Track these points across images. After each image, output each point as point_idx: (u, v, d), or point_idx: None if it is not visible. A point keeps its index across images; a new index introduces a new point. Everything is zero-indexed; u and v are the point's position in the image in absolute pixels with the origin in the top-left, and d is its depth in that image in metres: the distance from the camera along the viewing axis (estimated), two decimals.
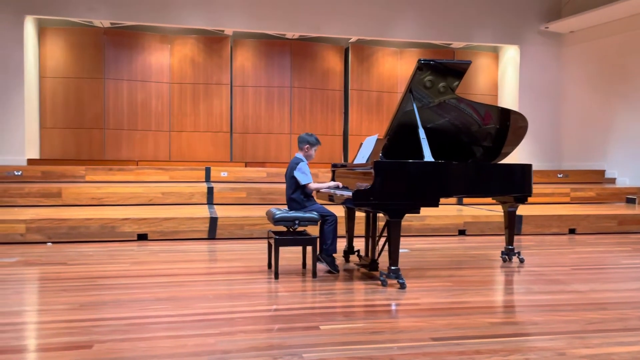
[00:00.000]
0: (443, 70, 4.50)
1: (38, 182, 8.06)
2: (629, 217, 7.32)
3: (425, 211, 4.18)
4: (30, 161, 9.22)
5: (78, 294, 3.72)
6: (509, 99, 11.43)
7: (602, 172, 10.51)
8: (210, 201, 7.81)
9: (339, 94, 11.27)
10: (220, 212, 6.79)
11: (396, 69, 11.48)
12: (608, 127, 10.57)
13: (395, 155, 4.45)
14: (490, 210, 7.43)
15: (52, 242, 5.90)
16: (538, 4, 11.23)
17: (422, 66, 4.39)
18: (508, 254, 5.11)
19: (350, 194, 4.08)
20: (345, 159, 11.26)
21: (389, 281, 4.07)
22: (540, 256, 5.47)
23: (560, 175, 10.22)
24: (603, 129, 10.66)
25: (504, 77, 11.77)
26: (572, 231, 7.14)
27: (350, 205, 4.39)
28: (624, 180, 10.20)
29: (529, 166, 4.83)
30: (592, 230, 7.15)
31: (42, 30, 9.88)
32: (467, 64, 4.55)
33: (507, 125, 5.04)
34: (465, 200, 8.39)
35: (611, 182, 10.33)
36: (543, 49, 11.35)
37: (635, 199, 8.85)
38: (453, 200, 8.34)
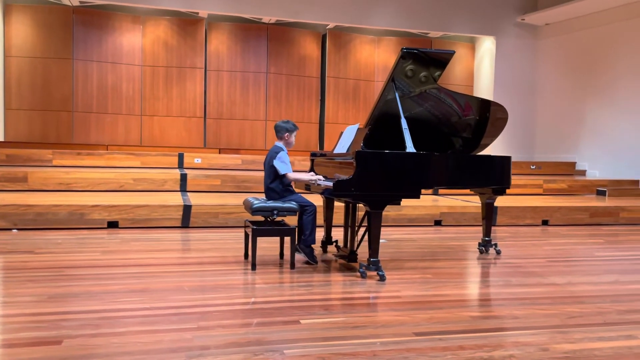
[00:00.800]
0: (426, 59, 4.43)
1: (2, 166, 7.74)
2: (600, 209, 7.45)
3: (403, 202, 4.12)
4: None
5: (46, 284, 3.56)
6: (484, 90, 11.48)
7: (573, 164, 10.69)
8: (183, 188, 7.64)
9: (316, 81, 11.14)
10: (194, 199, 6.64)
11: (373, 57, 11.40)
12: (580, 120, 10.73)
13: (376, 145, 4.38)
14: (465, 201, 7.46)
15: (18, 229, 5.67)
16: None
17: (405, 55, 4.31)
18: (485, 245, 5.12)
19: (330, 184, 4.00)
20: (321, 146, 11.17)
21: (369, 273, 4.02)
22: (516, 248, 5.50)
23: (533, 167, 10.35)
24: (575, 122, 10.82)
25: (479, 67, 11.82)
26: (545, 222, 7.23)
27: (330, 196, 4.31)
28: (594, 172, 10.39)
29: (508, 158, 4.82)
30: (564, 222, 7.25)
31: (7, 8, 9.45)
32: (450, 54, 4.49)
33: (487, 117, 5.02)
34: (441, 190, 8.41)
35: (582, 174, 10.51)
36: (519, 41, 11.42)
37: (605, 191, 9.02)
38: (429, 190, 8.35)
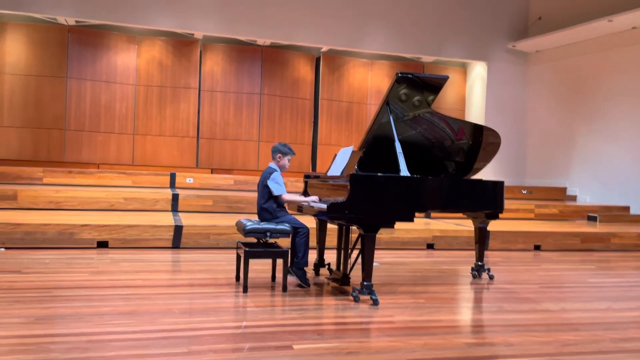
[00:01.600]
0: (420, 84, 4.47)
1: None
2: (591, 235, 7.47)
3: (396, 225, 4.11)
4: None
5: (33, 306, 3.48)
6: (476, 114, 11.58)
7: (564, 189, 10.75)
8: (175, 208, 7.57)
9: (309, 103, 11.19)
10: (185, 220, 6.57)
11: (367, 80, 11.49)
12: (570, 145, 10.83)
13: (370, 168, 4.37)
14: (458, 225, 7.45)
15: (6, 248, 5.57)
16: (506, 22, 11.46)
17: (399, 79, 4.34)
18: (478, 270, 5.09)
19: (324, 206, 3.97)
20: (314, 168, 11.17)
21: (362, 297, 3.98)
22: (508, 273, 5.48)
23: (525, 192, 10.39)
24: (565, 148, 10.92)
25: (471, 92, 11.94)
26: (537, 247, 7.22)
27: (324, 218, 4.29)
28: (585, 198, 10.45)
29: (501, 183, 4.83)
30: (556, 247, 7.25)
31: (2, 25, 9.46)
32: (444, 79, 4.53)
33: (480, 142, 5.04)
34: (433, 214, 8.40)
35: (572, 199, 10.56)
36: (510, 66, 11.57)
37: (596, 217, 9.06)
38: (421, 213, 8.34)
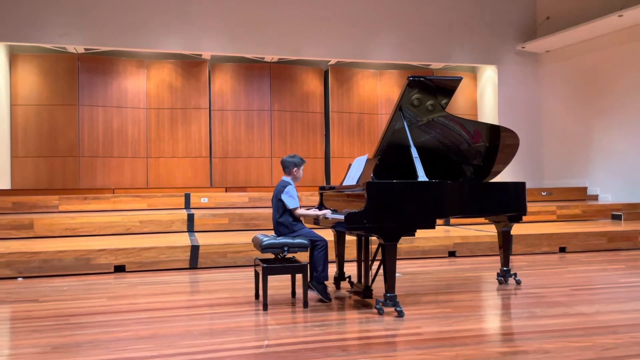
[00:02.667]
0: (432, 87, 4.36)
1: (8, 214, 7.65)
2: (617, 233, 7.23)
3: (416, 233, 3.98)
4: (0, 192, 8.79)
5: (51, 334, 3.39)
6: (488, 118, 11.41)
7: (585, 189, 10.50)
8: (190, 228, 7.50)
9: (320, 117, 11.12)
10: (201, 239, 6.49)
11: (376, 91, 11.40)
12: (588, 144, 10.60)
13: (386, 176, 4.25)
14: (479, 230, 7.27)
15: (23, 277, 5.52)
16: (514, 24, 11.33)
17: (411, 83, 4.24)
18: (504, 275, 4.92)
19: (341, 217, 3.85)
20: (328, 181, 11.06)
21: (386, 309, 3.84)
22: (535, 277, 5.29)
23: (544, 193, 10.17)
24: (583, 146, 10.69)
25: (482, 96, 11.79)
26: (562, 249, 7.01)
27: (342, 229, 4.17)
28: (606, 197, 10.19)
29: (523, 184, 4.68)
30: (582, 248, 7.03)
31: (13, 57, 9.56)
32: (457, 80, 4.41)
33: (497, 144, 4.90)
34: (453, 220, 8.23)
35: (594, 199, 10.31)
36: (520, 68, 11.42)
37: (621, 215, 8.81)
38: (440, 220, 8.17)
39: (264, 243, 4.09)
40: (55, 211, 8.05)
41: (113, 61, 10.03)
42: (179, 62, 10.36)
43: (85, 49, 9.74)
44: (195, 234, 7.22)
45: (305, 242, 4.13)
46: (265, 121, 10.78)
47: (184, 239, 6.53)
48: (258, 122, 10.76)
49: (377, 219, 3.77)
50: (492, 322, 3.69)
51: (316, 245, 4.19)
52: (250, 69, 10.73)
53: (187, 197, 8.74)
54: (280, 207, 4.25)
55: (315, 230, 4.41)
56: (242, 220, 7.64)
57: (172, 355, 2.95)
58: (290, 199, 4.20)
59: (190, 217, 7.53)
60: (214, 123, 10.55)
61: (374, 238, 4.08)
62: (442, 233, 7.04)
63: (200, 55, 10.25)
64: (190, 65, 10.41)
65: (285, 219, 4.24)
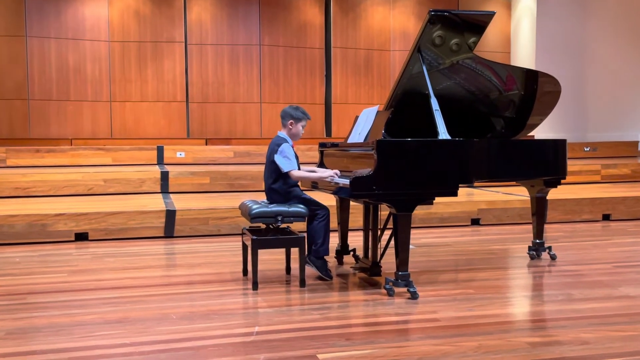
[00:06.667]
0: (459, 23, 4.34)
1: None
2: None
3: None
4: None
5: (3, 317, 3.47)
6: (524, 58, 11.34)
7: (636, 144, 10.53)
8: (165, 189, 7.56)
9: (319, 53, 11.03)
10: (178, 203, 6.56)
11: (388, 22, 11.27)
12: None
13: (401, 132, 4.27)
14: (507, 194, 7.34)
15: None
16: None
17: (433, 18, 4.21)
18: (537, 249, 5.01)
19: (346, 181, 3.88)
20: (329, 133, 11.07)
21: (396, 289, 3.91)
22: (574, 250, 5.38)
23: (587, 149, 10.21)
24: (635, 93, 10.65)
25: (517, 31, 11.68)
26: (606, 217, 7.11)
27: (346, 196, 4.20)
28: None
29: (563, 142, 4.70)
30: (630, 216, 7.13)
31: None
32: (490, 15, 4.38)
33: (534, 91, 4.92)
34: (478, 182, 8.27)
35: None
36: None
37: None
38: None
39: (254, 211, 4.12)
40: (2, 166, 8.08)
41: None
42: None
43: None
44: (171, 195, 7.29)
45: (303, 210, 4.16)
46: (254, 58, 10.69)
47: (157, 202, 6.58)
48: (244, 59, 10.66)
49: (389, 185, 3.79)
50: (520, 307, 3.77)
51: (316, 215, 4.22)
52: None
53: (160, 151, 8.76)
54: (273, 171, 4.25)
55: (314, 196, 4.44)
56: (227, 180, 7.69)
57: (145, 343, 3.03)
58: (285, 160, 4.20)
59: (164, 176, 7.57)
60: (190, 60, 10.46)
61: (384, 205, 4.12)
62: (464, 197, 7.11)
63: None
64: None
65: (279, 186, 4.25)
